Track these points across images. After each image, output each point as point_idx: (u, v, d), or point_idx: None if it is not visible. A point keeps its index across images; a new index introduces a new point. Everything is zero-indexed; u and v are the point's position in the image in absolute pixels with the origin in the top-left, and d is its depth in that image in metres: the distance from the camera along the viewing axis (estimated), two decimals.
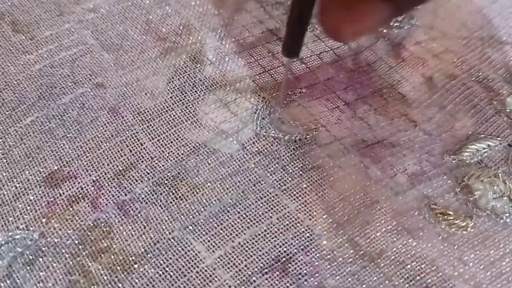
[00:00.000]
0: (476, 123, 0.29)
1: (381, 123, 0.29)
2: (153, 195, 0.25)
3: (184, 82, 0.29)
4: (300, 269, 0.24)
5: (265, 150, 0.27)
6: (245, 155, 0.27)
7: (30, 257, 0.24)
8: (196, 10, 0.33)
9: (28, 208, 0.25)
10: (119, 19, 0.32)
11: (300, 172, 0.26)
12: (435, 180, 0.27)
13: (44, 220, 0.25)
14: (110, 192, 0.25)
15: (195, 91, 0.29)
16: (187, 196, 0.25)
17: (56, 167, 0.26)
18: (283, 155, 0.27)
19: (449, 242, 0.25)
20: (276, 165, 0.26)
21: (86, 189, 0.25)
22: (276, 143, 0.27)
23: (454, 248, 0.25)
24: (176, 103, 0.29)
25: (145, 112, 0.28)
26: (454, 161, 0.28)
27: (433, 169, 0.27)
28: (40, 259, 0.24)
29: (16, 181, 0.26)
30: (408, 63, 0.32)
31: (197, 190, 0.26)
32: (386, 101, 0.30)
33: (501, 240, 0.25)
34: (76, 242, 0.24)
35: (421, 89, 0.31)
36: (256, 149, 0.27)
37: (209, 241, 0.24)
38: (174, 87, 0.29)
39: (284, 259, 0.24)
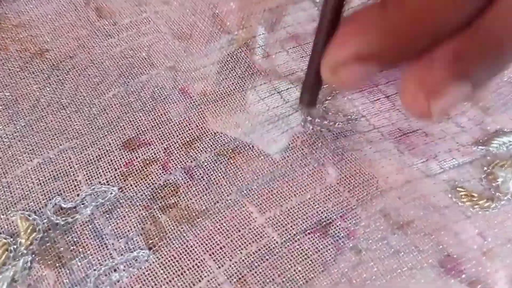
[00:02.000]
0: (504, 119, 0.32)
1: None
2: (214, 164, 0.30)
3: (244, 71, 0.33)
4: (338, 232, 0.27)
5: (311, 132, 0.31)
6: (293, 135, 0.31)
7: (110, 207, 0.28)
8: (255, 7, 0.37)
9: (109, 167, 0.29)
10: (189, 12, 0.36)
11: (342, 151, 0.30)
12: (463, 166, 0.30)
13: (122, 177, 0.29)
14: (178, 158, 0.30)
15: (253, 79, 0.33)
16: (243, 166, 0.29)
17: (133, 135, 0.31)
18: (327, 137, 0.31)
19: (471, 220, 0.28)
20: (320, 144, 0.30)
21: (158, 155, 0.30)
22: (321, 127, 0.31)
23: (476, 225, 0.28)
24: (236, 89, 0.33)
25: (210, 94, 0.32)
26: (482, 151, 0.31)
27: (462, 157, 0.31)
28: (118, 210, 0.28)
29: (100, 144, 0.30)
30: None
31: (252, 162, 0.30)
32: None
33: None
34: (149, 197, 0.28)
35: None
36: (303, 130, 0.31)
37: (260, 204, 0.28)
38: (235, 75, 0.33)
39: (324, 223, 0.28)
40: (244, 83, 0.33)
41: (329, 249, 0.27)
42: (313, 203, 0.28)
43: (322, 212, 0.28)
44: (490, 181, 0.30)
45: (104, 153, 0.30)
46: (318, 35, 0.24)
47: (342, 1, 0.23)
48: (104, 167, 0.29)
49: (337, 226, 0.28)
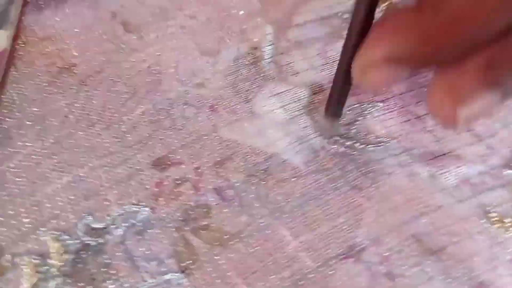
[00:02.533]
0: None
1: (448, 137, 0.32)
2: (245, 185, 0.29)
3: (273, 89, 0.33)
4: (372, 257, 0.27)
5: (343, 153, 0.31)
6: (325, 156, 0.30)
7: (141, 228, 0.28)
8: (278, 19, 0.37)
9: (140, 186, 0.29)
10: (216, 27, 0.36)
11: (373, 175, 0.30)
12: (495, 190, 0.30)
13: (153, 197, 0.29)
14: (209, 179, 0.30)
15: (285, 97, 0.33)
16: (274, 188, 0.29)
17: (163, 153, 0.30)
18: (358, 159, 0.30)
19: (504, 246, 0.28)
20: (352, 167, 0.30)
21: (189, 175, 0.30)
22: (352, 150, 0.31)
23: (508, 251, 0.28)
24: (266, 107, 0.33)
25: (240, 113, 0.32)
26: None
27: (493, 180, 0.30)
28: (149, 231, 0.28)
29: (130, 162, 0.30)
30: None
31: (283, 184, 0.29)
32: None
33: None
34: (180, 218, 0.28)
35: None
36: (335, 151, 0.31)
37: (293, 227, 0.28)
38: (264, 93, 0.33)
39: (358, 248, 0.28)
40: (275, 102, 0.33)
41: (363, 275, 0.27)
42: (346, 228, 0.28)
43: (354, 238, 0.28)
44: None
45: (134, 172, 0.30)
46: (348, 39, 0.24)
47: (375, 2, 0.23)
48: (135, 187, 0.29)
49: (370, 251, 0.27)
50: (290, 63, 0.34)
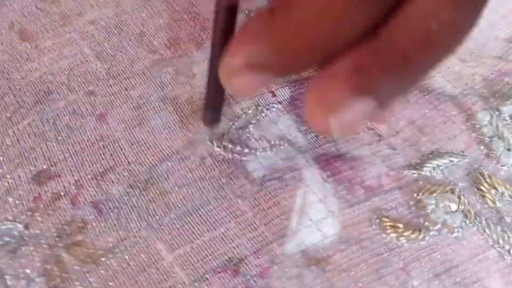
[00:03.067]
0: (442, 138, 0.31)
1: (346, 137, 0.30)
2: (125, 197, 0.28)
3: (168, 93, 0.32)
4: (250, 270, 0.26)
5: (231, 159, 0.29)
6: (211, 163, 0.29)
7: (14, 246, 0.27)
8: (186, 24, 0.35)
9: (17, 202, 0.28)
10: (115, 31, 0.35)
11: (261, 181, 0.28)
12: (391, 193, 0.28)
13: (29, 213, 0.28)
14: (88, 191, 0.28)
15: (176, 103, 0.31)
16: (155, 199, 0.28)
17: (45, 166, 0.29)
18: (247, 165, 0.29)
19: (395, 253, 0.26)
20: (239, 174, 0.29)
21: (68, 188, 0.28)
22: (242, 156, 0.29)
23: (400, 259, 0.26)
24: (157, 113, 0.31)
25: (129, 120, 0.31)
26: (414, 175, 0.29)
27: (391, 182, 0.29)
28: (22, 248, 0.27)
29: (9, 177, 0.29)
30: None
31: (165, 194, 0.28)
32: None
33: (449, 254, 0.27)
34: (55, 235, 0.27)
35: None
36: (222, 158, 0.29)
37: (170, 240, 0.27)
38: (156, 98, 0.32)
39: (236, 260, 0.26)
40: (166, 107, 0.31)
41: None
42: (226, 238, 0.27)
43: (235, 248, 0.26)
44: (419, 209, 0.28)
45: (13, 187, 0.28)
46: (212, 46, 0.23)
47: (235, 10, 0.22)
48: (12, 202, 0.28)
49: (250, 263, 0.26)
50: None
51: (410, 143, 0.30)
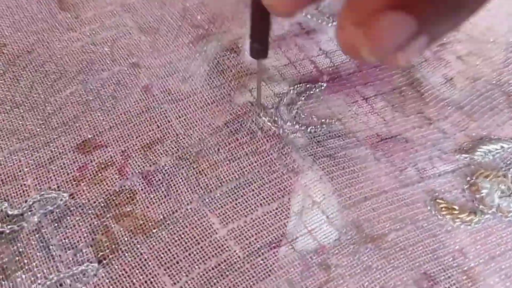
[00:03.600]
0: (491, 125, 0.30)
1: (397, 119, 0.30)
2: (175, 168, 0.27)
3: (213, 68, 0.31)
4: (307, 245, 0.25)
5: (282, 135, 0.28)
6: (262, 137, 0.28)
7: (59, 215, 0.26)
8: (229, 0, 0.34)
9: (61, 171, 0.27)
10: (157, 5, 0.34)
11: (313, 158, 0.28)
12: (444, 176, 0.28)
13: (74, 182, 0.27)
14: (136, 162, 0.27)
15: (222, 77, 0.31)
16: (206, 171, 0.27)
17: (89, 136, 0.28)
18: (298, 141, 0.28)
19: (451, 235, 0.26)
20: (290, 149, 0.28)
21: (115, 158, 0.27)
22: (292, 131, 0.29)
23: (456, 241, 0.26)
24: (203, 87, 0.30)
25: (175, 93, 0.30)
26: (465, 159, 0.29)
27: (444, 165, 0.28)
28: (68, 218, 0.26)
29: (52, 145, 0.28)
30: (430, 63, 0.33)
31: (216, 167, 0.27)
32: (404, 98, 0.31)
33: (504, 237, 0.26)
34: (102, 205, 0.26)
35: (440, 89, 0.32)
36: (273, 132, 0.28)
37: (223, 214, 0.26)
38: (203, 72, 0.31)
39: (291, 236, 0.25)
40: (213, 81, 0.31)
41: (295, 265, 0.25)
42: (280, 214, 0.26)
43: (289, 224, 0.26)
44: (473, 192, 0.28)
45: (57, 155, 0.28)
46: None
47: None
48: (56, 171, 0.27)
49: (305, 239, 0.25)
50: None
51: (460, 128, 0.30)
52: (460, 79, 0.32)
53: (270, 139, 0.28)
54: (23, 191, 0.26)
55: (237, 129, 0.29)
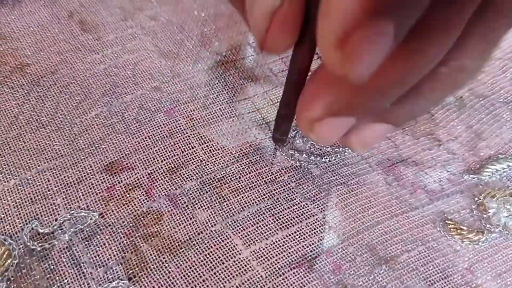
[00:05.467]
0: (499, 143, 0.32)
1: (407, 142, 0.31)
2: (199, 193, 0.29)
3: (232, 96, 0.33)
4: (324, 266, 0.27)
5: (298, 166, 0.30)
6: (280, 169, 0.30)
7: (89, 233, 0.27)
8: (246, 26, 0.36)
9: (90, 190, 0.28)
10: (177, 29, 0.35)
11: (328, 187, 0.29)
12: (453, 197, 0.30)
13: (103, 202, 0.28)
14: (162, 185, 0.29)
15: (242, 106, 0.32)
16: (229, 197, 0.29)
17: (116, 158, 0.30)
18: (314, 171, 0.30)
19: (460, 254, 0.28)
20: (307, 179, 0.30)
21: (142, 180, 0.29)
22: (308, 163, 0.30)
23: (465, 260, 0.28)
24: (223, 115, 0.32)
25: (197, 119, 0.31)
26: (473, 180, 0.30)
27: (452, 186, 0.30)
28: (98, 236, 0.27)
29: (80, 166, 0.29)
30: None
31: (238, 193, 0.29)
32: (415, 120, 0.32)
33: (510, 254, 0.28)
34: (130, 225, 0.27)
35: (450, 108, 0.33)
36: (290, 164, 0.30)
37: (246, 236, 0.27)
38: (223, 100, 0.32)
39: (310, 257, 0.27)
40: (232, 110, 0.32)
41: (314, 284, 0.26)
42: (299, 237, 0.28)
43: (307, 246, 0.27)
44: (480, 212, 0.29)
45: (85, 176, 0.29)
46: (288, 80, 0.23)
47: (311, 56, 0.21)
48: (84, 191, 0.28)
49: (323, 260, 0.27)
50: (250, 68, 0.34)
51: (469, 148, 0.32)
52: (469, 97, 0.34)
53: (287, 170, 0.30)
54: (53, 210, 0.28)
55: (257, 160, 0.30)
